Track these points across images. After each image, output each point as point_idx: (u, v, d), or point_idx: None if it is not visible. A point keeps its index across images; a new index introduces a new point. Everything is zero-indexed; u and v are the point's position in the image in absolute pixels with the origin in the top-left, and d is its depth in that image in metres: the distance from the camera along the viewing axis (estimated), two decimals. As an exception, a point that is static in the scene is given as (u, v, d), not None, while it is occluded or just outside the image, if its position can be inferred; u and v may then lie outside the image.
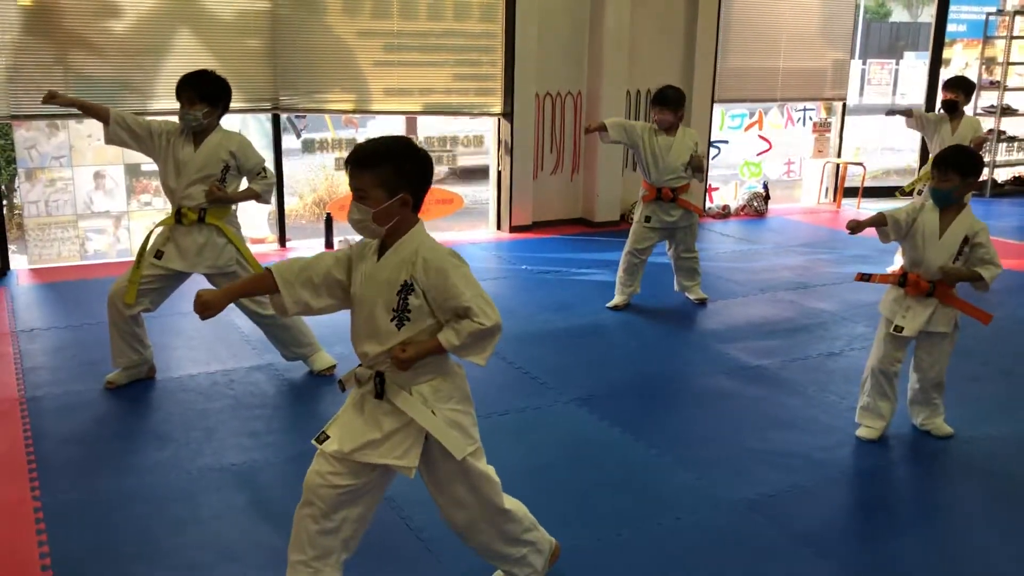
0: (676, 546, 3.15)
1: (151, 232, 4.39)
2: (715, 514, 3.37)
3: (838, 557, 3.12)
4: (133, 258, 4.48)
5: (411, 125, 8.69)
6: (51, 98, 4.23)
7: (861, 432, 4.02)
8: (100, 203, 6.98)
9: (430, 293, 2.41)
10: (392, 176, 2.40)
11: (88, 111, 4.35)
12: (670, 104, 5.61)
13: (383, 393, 2.47)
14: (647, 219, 5.76)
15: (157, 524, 3.23)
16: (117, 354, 4.41)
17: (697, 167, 5.67)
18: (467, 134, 8.29)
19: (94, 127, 6.79)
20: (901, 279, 3.89)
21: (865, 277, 4.01)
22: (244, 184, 4.42)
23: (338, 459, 2.48)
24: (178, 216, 4.30)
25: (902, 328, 3.85)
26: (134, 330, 4.38)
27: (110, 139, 4.34)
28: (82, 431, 3.99)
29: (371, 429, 2.47)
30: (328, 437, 2.51)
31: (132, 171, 7.00)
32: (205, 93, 4.20)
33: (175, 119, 4.30)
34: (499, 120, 8.13)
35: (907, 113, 6.87)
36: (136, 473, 3.61)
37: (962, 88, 6.69)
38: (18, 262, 6.82)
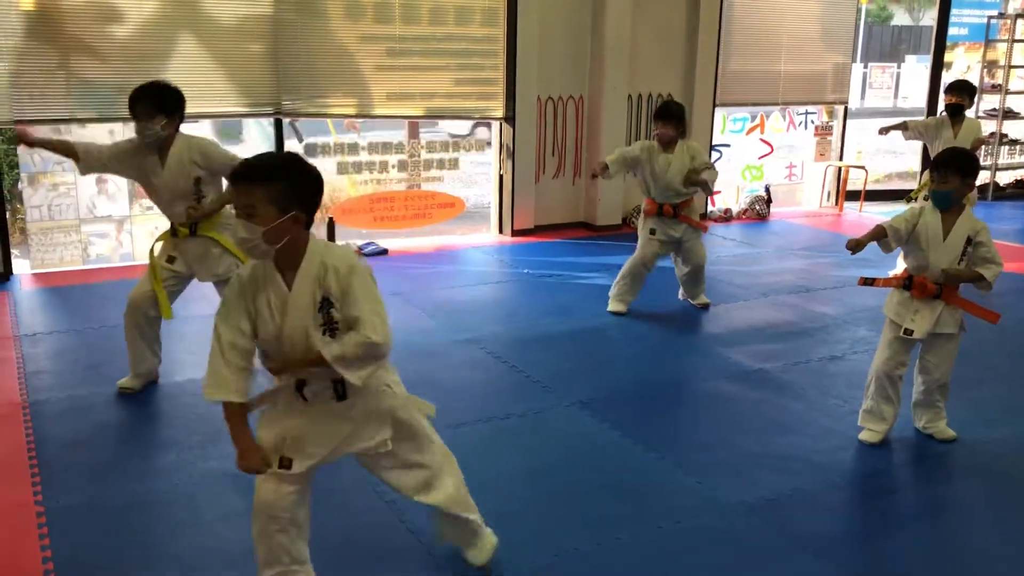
0: (676, 549, 3.15)
1: (152, 248, 4.46)
2: (716, 518, 3.37)
3: (838, 560, 3.12)
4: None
5: (412, 129, 8.68)
6: (22, 136, 4.26)
7: (864, 436, 4.01)
8: (103, 208, 7.00)
9: (340, 301, 2.38)
10: (284, 193, 2.33)
11: (55, 150, 4.43)
12: (671, 118, 5.57)
13: (345, 395, 2.50)
14: (652, 232, 5.74)
15: (159, 528, 3.24)
16: (138, 360, 4.44)
17: (694, 183, 5.59)
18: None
19: (97, 131, 6.81)
20: (907, 282, 3.89)
21: (868, 281, 4.00)
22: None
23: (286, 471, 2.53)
24: (174, 230, 4.38)
25: (912, 331, 3.85)
26: (158, 334, 4.46)
27: (86, 171, 4.38)
28: (84, 435, 4.00)
29: (341, 425, 2.54)
30: (291, 460, 2.53)
31: (135, 176, 7.00)
32: (160, 103, 4.14)
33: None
34: (501, 124, 8.14)
35: (901, 127, 6.89)
36: (138, 477, 3.62)
37: (966, 92, 6.71)
38: (21, 266, 6.82)
